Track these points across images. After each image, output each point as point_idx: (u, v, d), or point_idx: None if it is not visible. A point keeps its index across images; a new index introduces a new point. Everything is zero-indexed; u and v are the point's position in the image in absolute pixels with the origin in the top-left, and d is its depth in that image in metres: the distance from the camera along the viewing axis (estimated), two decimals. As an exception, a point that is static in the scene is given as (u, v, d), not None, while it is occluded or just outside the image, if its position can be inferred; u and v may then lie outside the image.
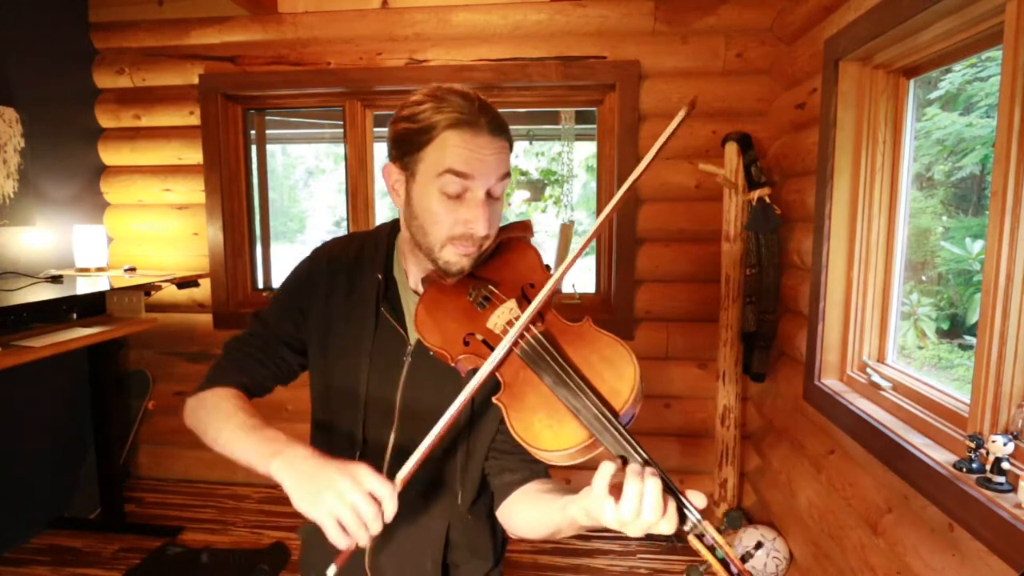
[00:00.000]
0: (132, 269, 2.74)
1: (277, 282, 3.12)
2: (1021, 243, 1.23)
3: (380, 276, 0.97)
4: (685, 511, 0.65)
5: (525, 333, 0.79)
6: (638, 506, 0.63)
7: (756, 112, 2.56)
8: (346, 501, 0.72)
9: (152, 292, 2.70)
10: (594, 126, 2.84)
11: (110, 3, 2.81)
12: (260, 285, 3.08)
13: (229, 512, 2.80)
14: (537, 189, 6.73)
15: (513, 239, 0.94)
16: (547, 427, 0.72)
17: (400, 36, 2.68)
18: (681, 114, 0.77)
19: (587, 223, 6.27)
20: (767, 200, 2.30)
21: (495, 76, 2.64)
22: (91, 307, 2.46)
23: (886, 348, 1.93)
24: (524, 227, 0.96)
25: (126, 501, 2.76)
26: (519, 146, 6.20)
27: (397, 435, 0.96)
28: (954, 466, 1.34)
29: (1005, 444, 1.23)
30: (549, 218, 7.02)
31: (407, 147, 0.87)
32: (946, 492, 1.33)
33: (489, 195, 0.86)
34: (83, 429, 2.76)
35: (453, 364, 0.84)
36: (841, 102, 1.91)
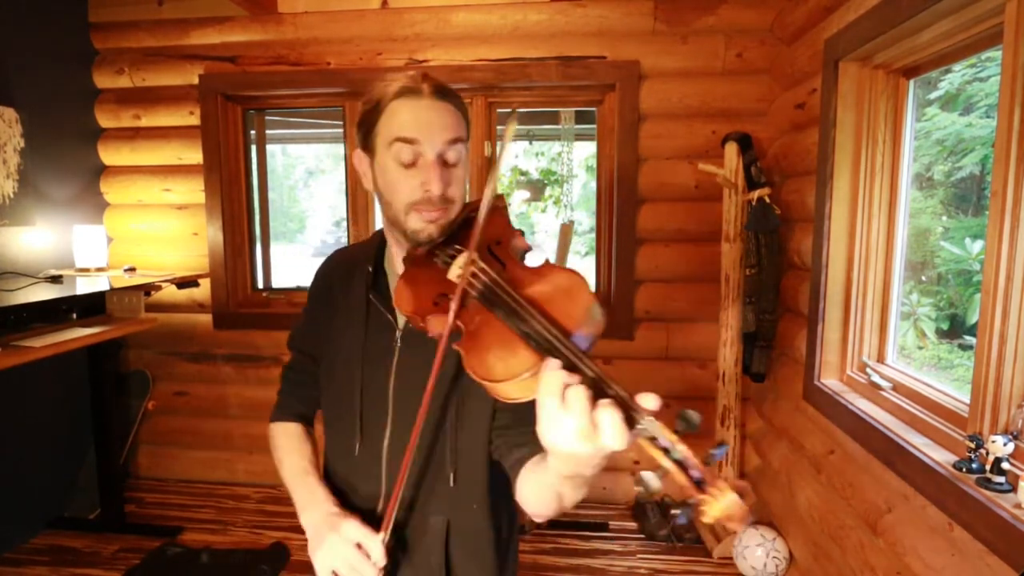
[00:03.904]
0: (132, 269, 2.74)
1: (277, 282, 3.13)
2: (1021, 243, 1.23)
3: (370, 268, 1.01)
4: (632, 413, 0.61)
5: (481, 276, 0.81)
6: (566, 427, 0.61)
7: (756, 112, 2.56)
8: (337, 554, 0.88)
9: (152, 292, 2.70)
10: (594, 126, 2.84)
11: (110, 3, 2.81)
12: (260, 285, 3.08)
13: (229, 512, 2.80)
14: (537, 189, 6.73)
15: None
16: (499, 359, 0.73)
17: (400, 36, 2.68)
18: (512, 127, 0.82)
19: (587, 223, 6.27)
20: (767, 200, 2.30)
21: (495, 76, 2.64)
22: (91, 307, 2.46)
23: (886, 348, 1.93)
24: (495, 199, 0.98)
25: (126, 501, 2.76)
26: (519, 146, 6.19)
27: (392, 422, 0.97)
28: (954, 466, 1.34)
29: (1005, 444, 1.23)
30: (549, 218, 7.03)
31: (365, 128, 0.93)
32: (946, 492, 1.33)
33: (443, 160, 0.90)
34: (83, 429, 2.76)
35: (425, 326, 0.85)
36: (841, 102, 1.91)
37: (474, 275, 0.81)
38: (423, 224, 0.90)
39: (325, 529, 0.91)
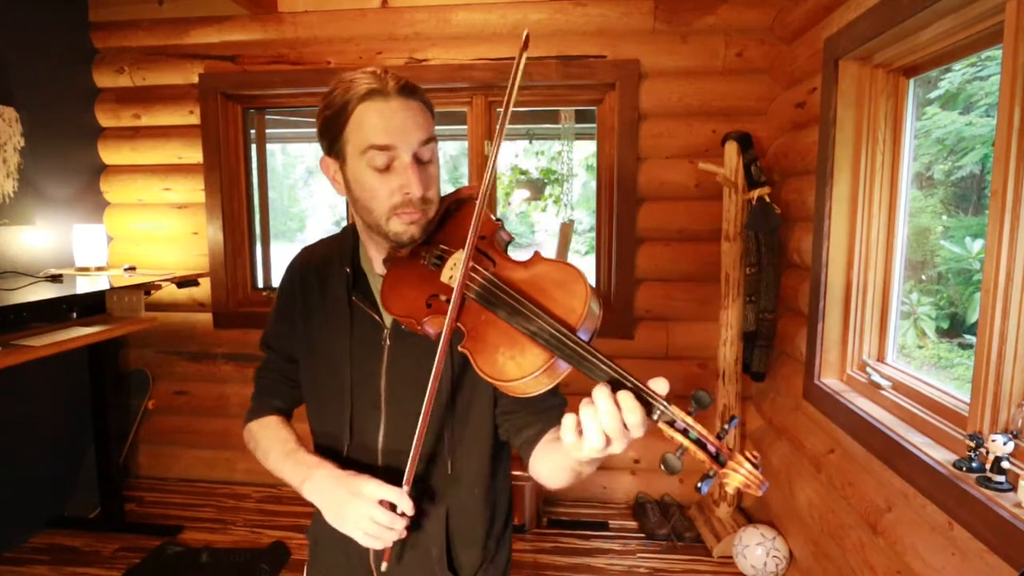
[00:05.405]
0: (132, 268, 2.74)
1: (276, 281, 3.12)
2: (1021, 243, 1.23)
3: (348, 269, 0.99)
4: (649, 400, 0.66)
5: (476, 276, 0.81)
6: (600, 431, 0.65)
7: (756, 111, 2.56)
8: (363, 515, 0.86)
9: (152, 291, 2.71)
10: (594, 125, 2.84)
11: (110, 3, 2.81)
12: (260, 284, 3.08)
13: (229, 511, 2.80)
14: (537, 188, 6.73)
15: (459, 201, 0.96)
16: (509, 359, 0.74)
17: (400, 35, 2.68)
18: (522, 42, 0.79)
19: (587, 222, 6.27)
20: (767, 199, 2.30)
21: (495, 76, 2.64)
22: (91, 306, 2.46)
23: (886, 347, 1.93)
24: (468, 190, 0.98)
25: (126, 500, 2.77)
26: (519, 146, 6.19)
27: (386, 421, 0.97)
28: (954, 465, 1.34)
29: (1005, 443, 1.23)
30: (549, 217, 7.02)
31: (331, 134, 0.90)
32: (946, 491, 1.33)
33: (418, 159, 0.88)
34: (83, 429, 2.76)
35: (420, 328, 0.85)
36: (841, 101, 1.91)
37: (469, 275, 0.81)
38: (404, 227, 0.88)
39: (341, 493, 0.88)
